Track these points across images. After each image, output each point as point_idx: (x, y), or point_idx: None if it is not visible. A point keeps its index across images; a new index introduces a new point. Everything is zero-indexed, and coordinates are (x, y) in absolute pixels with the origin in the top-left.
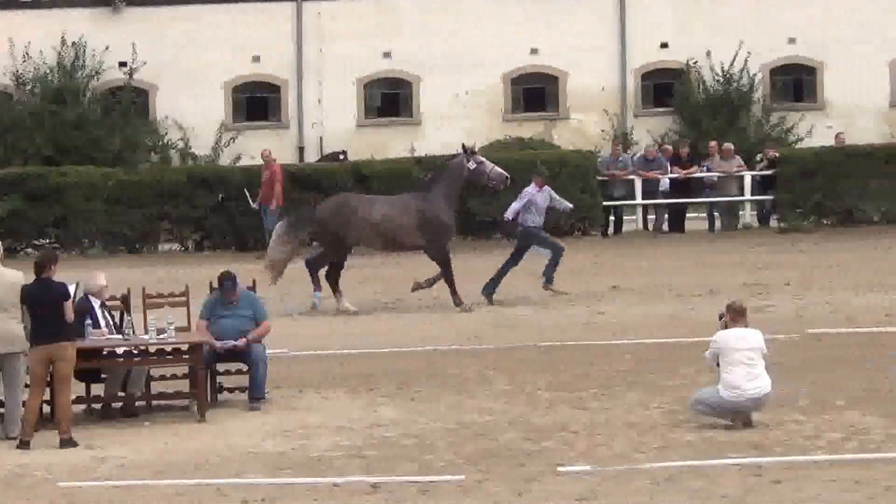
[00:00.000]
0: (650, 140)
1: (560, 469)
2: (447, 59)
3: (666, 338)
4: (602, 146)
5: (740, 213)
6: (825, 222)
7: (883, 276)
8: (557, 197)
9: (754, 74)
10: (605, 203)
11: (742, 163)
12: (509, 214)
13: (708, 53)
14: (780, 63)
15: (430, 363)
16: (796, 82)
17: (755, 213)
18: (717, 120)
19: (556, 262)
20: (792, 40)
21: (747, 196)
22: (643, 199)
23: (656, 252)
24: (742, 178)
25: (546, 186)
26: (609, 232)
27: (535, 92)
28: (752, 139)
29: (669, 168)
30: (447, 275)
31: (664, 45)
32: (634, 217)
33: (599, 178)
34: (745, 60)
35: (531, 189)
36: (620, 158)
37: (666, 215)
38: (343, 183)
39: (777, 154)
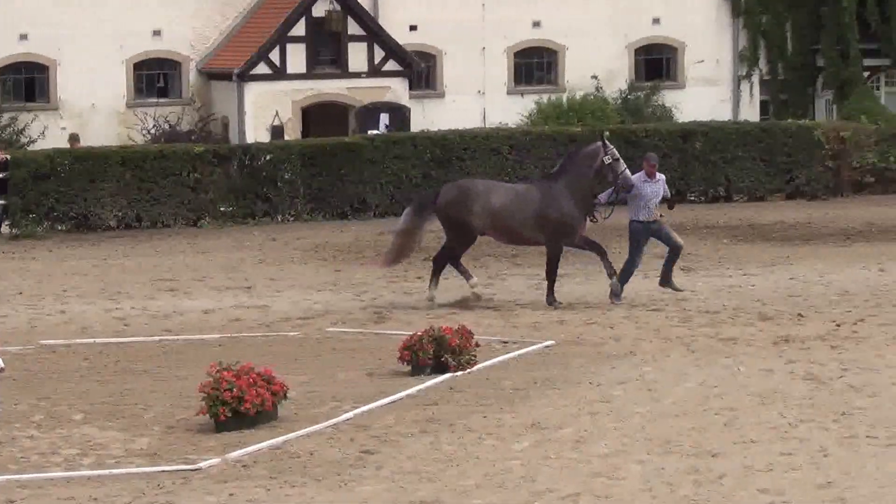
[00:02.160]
0: None
1: None
2: None
3: None
4: None
5: None
6: (60, 228)
7: (119, 283)
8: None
9: None
10: None
11: None
12: (603, 197)
13: None
14: (10, 63)
15: None
16: (28, 81)
17: None
18: None
19: (629, 272)
20: (24, 37)
21: None
22: None
23: None
24: None
25: (660, 176)
26: None
27: None
28: None
29: None
30: (551, 270)
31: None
32: None
33: None
34: None
35: (638, 177)
36: None
37: None
38: None
39: (8, 157)
